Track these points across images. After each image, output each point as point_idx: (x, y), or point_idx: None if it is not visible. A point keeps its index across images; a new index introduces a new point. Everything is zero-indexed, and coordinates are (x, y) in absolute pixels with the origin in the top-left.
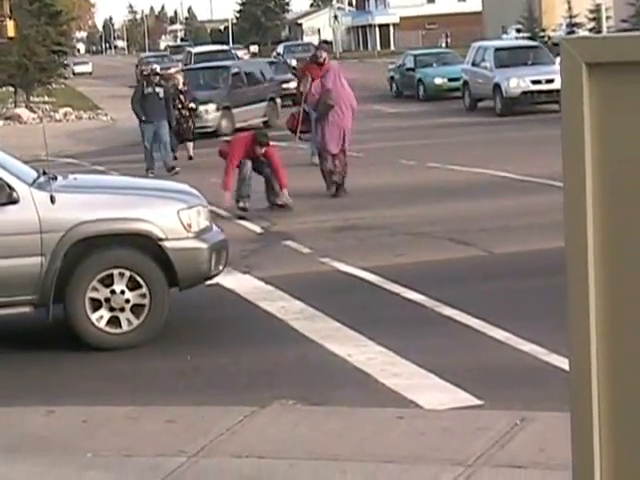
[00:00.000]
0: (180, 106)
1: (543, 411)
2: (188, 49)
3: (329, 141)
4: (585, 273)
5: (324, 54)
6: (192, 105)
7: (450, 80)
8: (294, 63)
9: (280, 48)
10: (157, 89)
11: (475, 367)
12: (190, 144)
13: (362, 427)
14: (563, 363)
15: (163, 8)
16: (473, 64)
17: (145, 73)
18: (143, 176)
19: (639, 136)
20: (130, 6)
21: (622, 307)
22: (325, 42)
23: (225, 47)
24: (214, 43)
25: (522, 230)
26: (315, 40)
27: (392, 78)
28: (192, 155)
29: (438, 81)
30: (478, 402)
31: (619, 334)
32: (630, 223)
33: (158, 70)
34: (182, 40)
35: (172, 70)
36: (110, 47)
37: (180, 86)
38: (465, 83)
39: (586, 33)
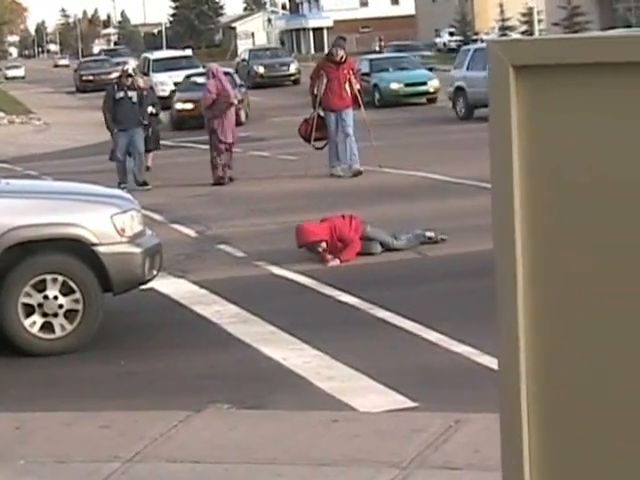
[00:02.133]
0: None
1: (477, 412)
2: (145, 55)
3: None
4: (513, 274)
5: (341, 51)
6: (152, 110)
7: (408, 85)
8: (261, 70)
9: (245, 53)
10: (130, 93)
11: (409, 369)
12: (149, 154)
13: (297, 430)
14: (496, 364)
15: (96, 12)
16: (468, 68)
17: (117, 75)
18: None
19: (566, 138)
20: (63, 10)
21: (550, 308)
22: (342, 38)
23: (187, 52)
24: (148, 48)
25: (455, 232)
26: (248, 44)
27: None
28: (150, 166)
29: (394, 86)
30: (413, 404)
31: (547, 334)
32: (557, 224)
33: (130, 71)
34: (115, 44)
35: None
36: (43, 51)
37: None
38: (459, 89)
39: (518, 36)
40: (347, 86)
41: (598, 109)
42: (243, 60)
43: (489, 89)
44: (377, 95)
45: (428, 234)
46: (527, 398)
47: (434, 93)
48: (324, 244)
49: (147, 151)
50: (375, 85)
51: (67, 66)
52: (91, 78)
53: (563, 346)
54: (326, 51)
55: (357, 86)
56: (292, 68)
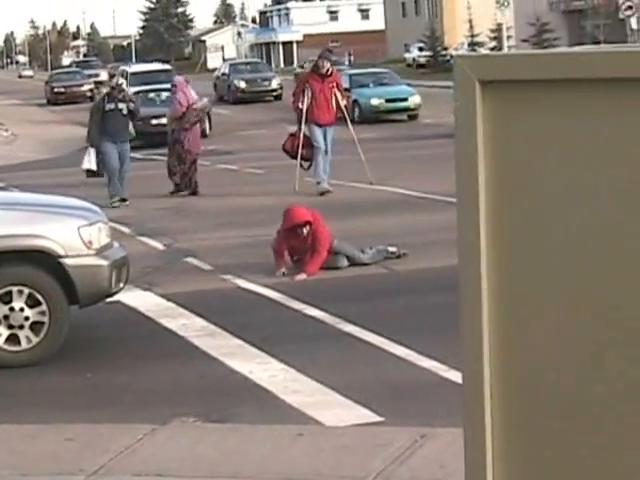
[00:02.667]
0: None
1: (443, 427)
2: (123, 68)
3: None
4: (477, 287)
5: (327, 64)
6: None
7: (389, 101)
8: (243, 85)
9: (225, 67)
10: (120, 105)
11: (376, 384)
12: None
13: (262, 444)
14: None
15: (65, 23)
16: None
17: (109, 87)
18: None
19: (532, 154)
20: (32, 21)
21: (514, 322)
22: (329, 50)
23: (167, 66)
24: (117, 60)
25: (422, 247)
26: (218, 57)
27: None
28: None
29: (375, 102)
30: (379, 419)
31: (512, 348)
32: (522, 240)
33: (120, 83)
34: (85, 56)
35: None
36: (12, 62)
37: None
38: None
39: (487, 52)
40: (333, 101)
41: (566, 125)
42: (223, 74)
43: (455, 104)
44: (357, 111)
45: (391, 249)
46: (491, 412)
47: (415, 109)
48: (307, 228)
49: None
50: (355, 101)
51: (31, 77)
52: (63, 90)
53: (528, 360)
54: (295, 65)
55: (344, 101)
56: (274, 83)
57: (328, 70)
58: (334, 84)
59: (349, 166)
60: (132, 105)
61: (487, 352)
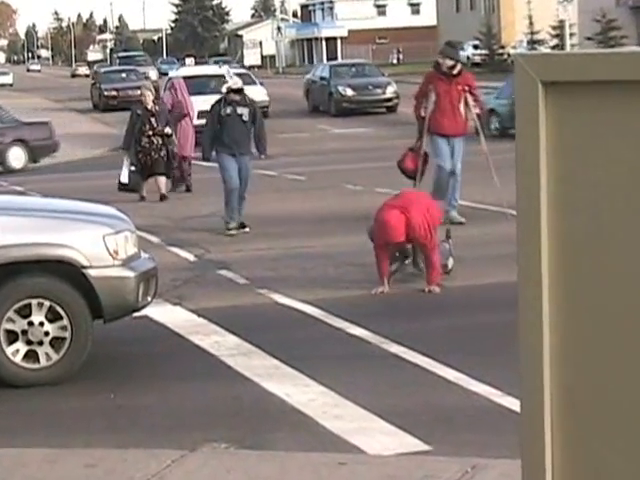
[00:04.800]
0: (150, 132)
1: (496, 458)
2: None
3: None
4: (539, 305)
5: (449, 62)
6: (167, 130)
7: None
8: (349, 93)
9: (322, 69)
10: (240, 109)
11: (423, 409)
12: (162, 179)
13: (300, 474)
14: (518, 406)
15: (92, 16)
16: None
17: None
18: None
19: (596, 159)
20: (56, 13)
21: (578, 344)
22: (451, 45)
23: (220, 70)
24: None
25: (475, 262)
26: (256, 54)
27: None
28: (166, 194)
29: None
30: (426, 447)
31: (573, 374)
32: (587, 248)
33: (240, 85)
34: (111, 51)
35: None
36: (33, 57)
37: (149, 105)
38: None
39: (548, 51)
40: (462, 106)
41: (636, 129)
42: (321, 78)
43: (516, 106)
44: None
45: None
46: (552, 445)
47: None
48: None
49: (155, 175)
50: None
51: (39, 71)
52: (115, 94)
53: (593, 387)
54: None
55: (476, 109)
56: (389, 91)
57: (453, 69)
58: (465, 86)
59: (392, 173)
60: (254, 110)
61: (548, 378)
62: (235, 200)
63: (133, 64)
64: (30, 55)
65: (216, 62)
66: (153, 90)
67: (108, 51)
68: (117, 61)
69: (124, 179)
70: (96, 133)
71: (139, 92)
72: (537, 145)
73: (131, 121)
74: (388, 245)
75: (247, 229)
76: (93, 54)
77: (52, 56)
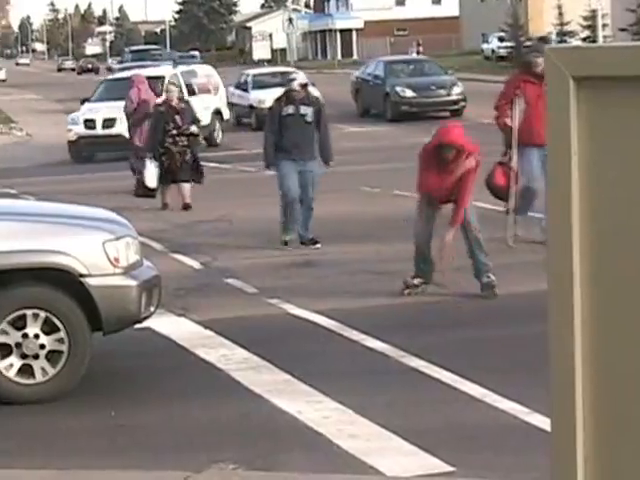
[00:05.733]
0: (175, 131)
1: None
2: (244, 71)
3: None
4: (570, 315)
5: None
6: (193, 129)
7: None
8: (409, 94)
9: (376, 66)
10: (303, 109)
11: (445, 428)
12: (187, 186)
13: None
14: (548, 424)
15: (90, 7)
16: None
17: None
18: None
19: (629, 157)
20: (52, 4)
21: (614, 358)
22: (544, 40)
23: (290, 68)
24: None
25: (501, 270)
26: (265, 47)
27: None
28: (190, 203)
29: None
30: (449, 469)
31: (608, 392)
32: (621, 251)
33: (303, 81)
34: (111, 43)
35: None
36: (27, 50)
37: (174, 102)
38: None
39: (579, 43)
40: None
41: None
42: (376, 77)
43: (547, 102)
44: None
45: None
46: (584, 466)
47: None
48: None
49: (179, 182)
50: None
51: (28, 65)
52: None
53: (626, 408)
54: (355, 57)
55: None
56: (455, 92)
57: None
58: None
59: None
60: (319, 109)
61: (580, 396)
62: (297, 212)
63: (147, 59)
64: (25, 49)
65: (179, 58)
66: (179, 86)
67: (108, 44)
68: (129, 56)
69: (151, 183)
70: None
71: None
72: (568, 142)
73: (153, 121)
74: None
75: (318, 245)
76: (91, 47)
77: (48, 50)
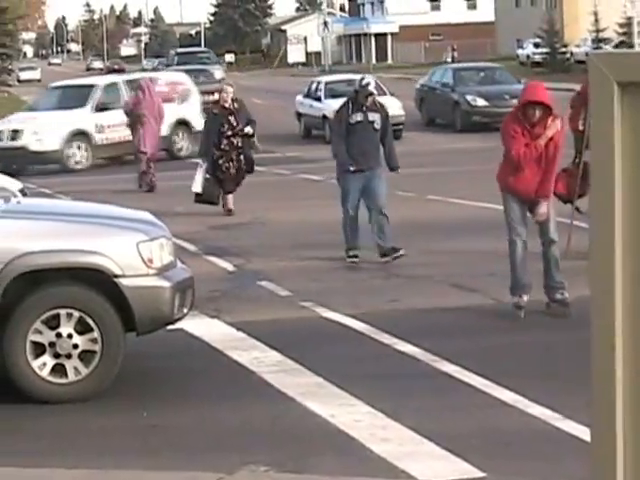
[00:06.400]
0: (230, 132)
1: None
2: (317, 79)
3: None
4: (612, 322)
5: None
6: (248, 129)
7: None
8: (481, 103)
9: (443, 73)
10: (371, 115)
11: (477, 433)
12: (231, 195)
13: None
14: (580, 431)
15: (125, 8)
16: None
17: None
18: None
19: None
20: (87, 4)
21: None
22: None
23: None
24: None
25: (536, 276)
26: (300, 50)
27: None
28: (233, 209)
29: None
30: (480, 474)
31: None
32: None
33: (373, 83)
34: (146, 45)
35: None
36: (62, 51)
37: (228, 103)
38: None
39: (614, 50)
40: None
41: None
42: (444, 85)
43: (591, 108)
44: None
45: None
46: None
47: None
48: (539, 111)
49: (229, 193)
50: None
51: (59, 64)
52: None
53: None
54: (389, 61)
55: None
56: None
57: None
58: None
59: (444, 179)
60: (385, 116)
61: (620, 405)
62: (354, 228)
63: (194, 62)
64: (60, 49)
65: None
66: (233, 87)
67: (142, 46)
68: (175, 58)
69: (197, 188)
70: None
71: (212, 97)
72: (612, 148)
73: (207, 125)
74: None
75: (402, 251)
76: (126, 49)
77: (82, 50)
